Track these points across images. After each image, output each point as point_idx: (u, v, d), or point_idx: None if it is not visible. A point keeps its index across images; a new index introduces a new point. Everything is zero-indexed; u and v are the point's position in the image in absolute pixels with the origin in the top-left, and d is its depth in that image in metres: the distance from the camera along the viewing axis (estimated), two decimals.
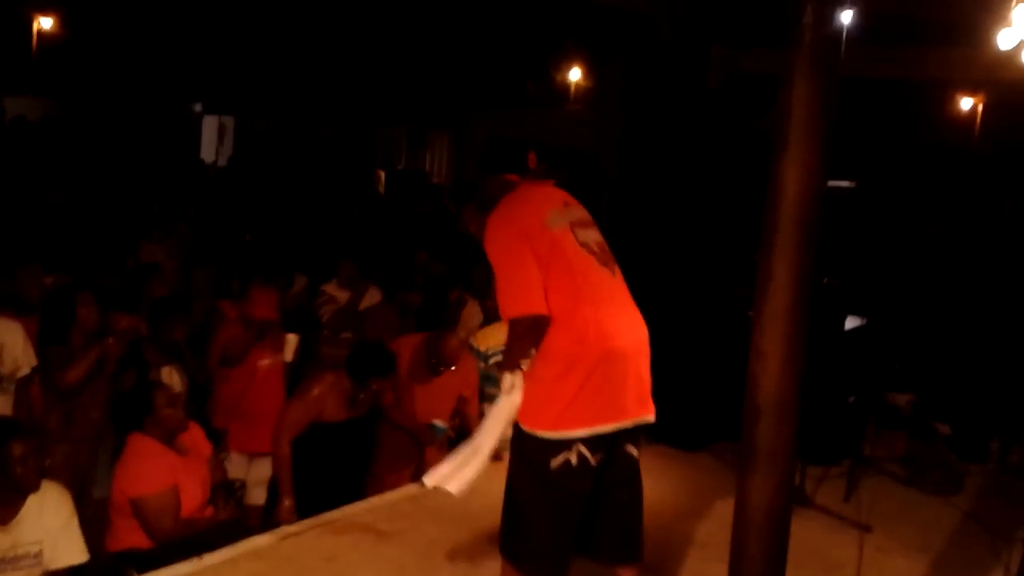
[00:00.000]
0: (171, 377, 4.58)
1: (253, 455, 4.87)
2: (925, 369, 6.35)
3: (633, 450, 3.14)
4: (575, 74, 24.58)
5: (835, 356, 5.47)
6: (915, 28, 5.47)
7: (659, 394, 5.53)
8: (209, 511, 4.10)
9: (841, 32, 2.12)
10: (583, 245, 3.07)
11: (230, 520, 4.15)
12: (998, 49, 4.97)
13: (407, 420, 4.75)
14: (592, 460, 2.95)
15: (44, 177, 10.33)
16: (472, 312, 6.03)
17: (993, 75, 5.92)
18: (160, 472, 3.89)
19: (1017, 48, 4.96)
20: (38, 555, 3.40)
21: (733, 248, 6.01)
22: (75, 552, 3.50)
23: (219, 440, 4.74)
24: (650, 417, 3.11)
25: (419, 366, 4.78)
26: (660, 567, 3.99)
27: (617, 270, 3.17)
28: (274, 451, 4.38)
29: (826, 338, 5.52)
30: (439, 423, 4.75)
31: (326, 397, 4.42)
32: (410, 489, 4.59)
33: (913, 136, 8.98)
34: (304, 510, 4.29)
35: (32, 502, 3.39)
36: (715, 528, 4.25)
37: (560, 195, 3.25)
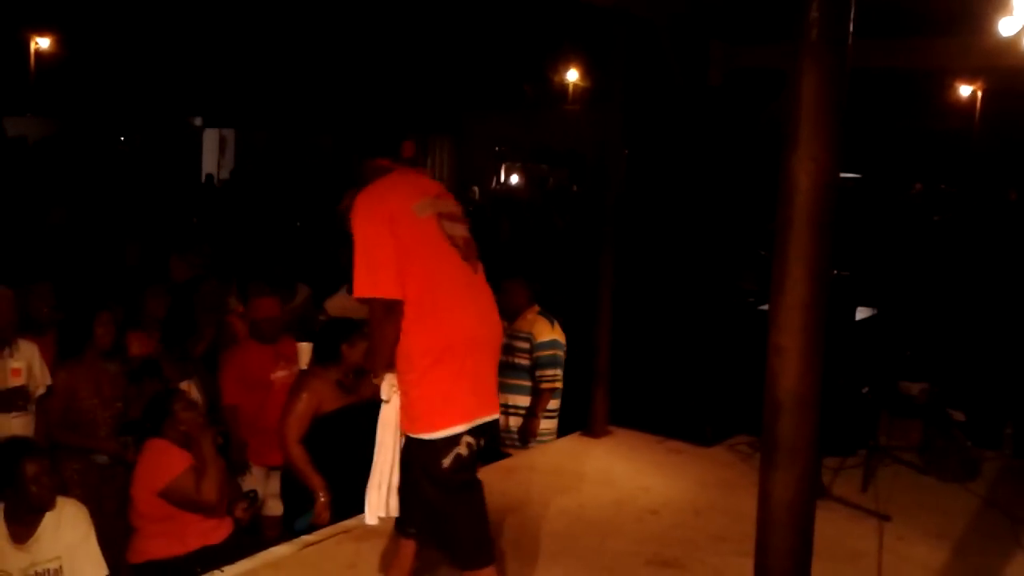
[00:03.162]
0: (190, 391, 4.62)
1: (271, 468, 4.88)
2: (937, 357, 6.35)
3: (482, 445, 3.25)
4: (572, 75, 24.62)
5: (848, 347, 5.46)
6: (915, 18, 5.47)
7: (672, 390, 5.59)
8: (227, 518, 4.12)
9: (848, 26, 2.13)
10: (449, 237, 3.11)
11: (248, 526, 4.19)
12: (999, 36, 4.98)
13: None
14: (476, 446, 3.07)
15: (46, 196, 10.35)
16: None
17: (993, 63, 5.92)
18: (179, 461, 3.93)
19: (1018, 35, 4.97)
20: (58, 571, 3.44)
21: (739, 243, 6.02)
22: (94, 566, 3.53)
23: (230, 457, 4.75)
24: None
25: None
26: (680, 562, 4.01)
27: (480, 267, 3.22)
28: (287, 456, 4.39)
29: (838, 329, 5.52)
30: None
31: (318, 391, 4.40)
32: None
33: (914, 125, 8.98)
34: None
35: (49, 519, 3.43)
36: (734, 522, 4.26)
37: (433, 186, 3.31)
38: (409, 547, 3.33)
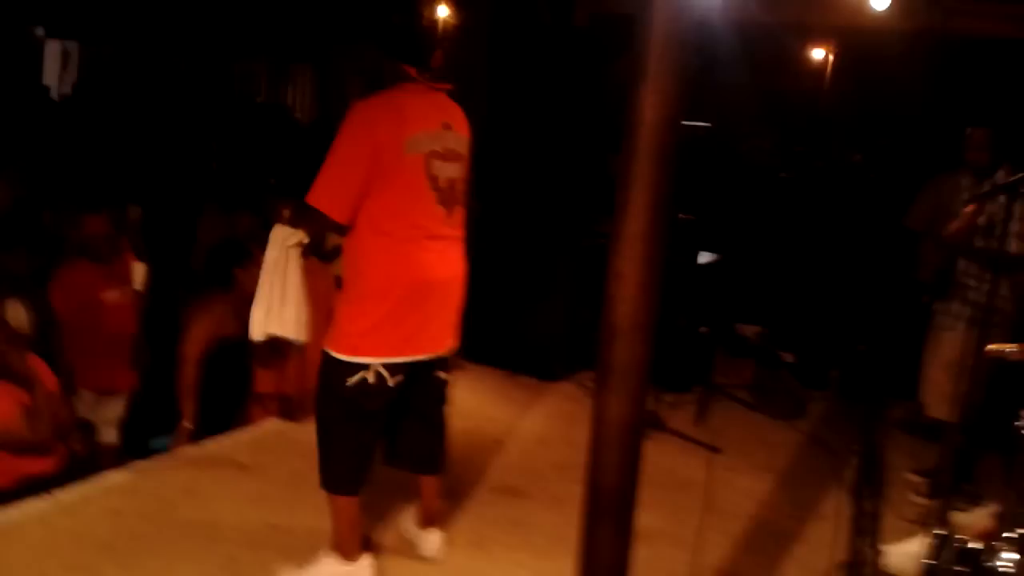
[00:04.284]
0: (16, 312, 4.37)
1: (102, 392, 4.69)
2: (772, 303, 6.69)
3: (441, 374, 3.25)
4: (443, 11, 24.29)
5: (689, 289, 5.69)
6: None
7: (522, 326, 5.69)
8: (61, 449, 3.96)
9: None
10: (431, 179, 2.98)
11: (84, 457, 4.03)
12: None
13: None
14: (391, 381, 3.00)
15: None
16: None
17: (847, 22, 6.14)
18: (6, 395, 3.72)
19: None
20: None
21: (594, 183, 6.13)
22: None
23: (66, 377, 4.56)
24: (451, 349, 3.21)
25: None
26: (523, 490, 4.13)
27: (458, 211, 3.11)
28: (181, 373, 4.33)
29: (681, 271, 5.74)
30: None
31: (217, 315, 4.33)
32: (276, 424, 4.55)
33: (769, 82, 9.28)
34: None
35: None
36: (576, 452, 4.38)
37: (444, 113, 3.08)
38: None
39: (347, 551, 3.14)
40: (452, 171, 3.06)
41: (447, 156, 3.04)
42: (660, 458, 4.37)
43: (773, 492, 4.44)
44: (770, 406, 5.54)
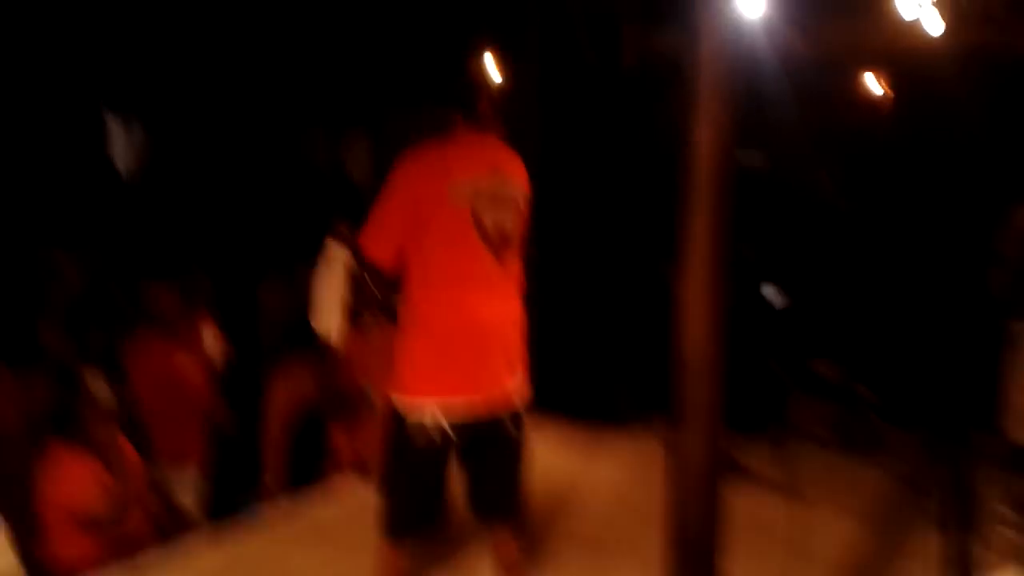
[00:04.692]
0: (97, 387, 4.47)
1: (178, 460, 4.75)
2: (846, 336, 6.53)
3: (509, 426, 3.18)
4: (490, 60, 24.54)
5: (756, 323, 5.60)
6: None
7: (585, 370, 5.64)
8: (140, 516, 4.02)
9: None
10: (478, 227, 2.99)
11: (164, 524, 4.09)
12: (901, 18, 5.03)
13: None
14: (446, 424, 3.01)
15: None
16: None
17: (898, 46, 6.05)
18: (91, 474, 3.79)
19: (917, 17, 5.03)
20: None
21: (658, 227, 6.08)
22: (4, 564, 3.41)
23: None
24: (514, 396, 3.16)
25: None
26: (602, 540, 4.07)
27: (511, 257, 3.11)
28: (265, 432, 4.50)
29: (749, 307, 5.65)
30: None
31: (301, 379, 4.50)
32: (353, 483, 4.56)
33: (824, 116, 9.17)
34: None
35: None
36: (652, 499, 4.31)
37: (493, 158, 3.09)
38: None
39: None
40: (501, 216, 3.05)
41: (495, 201, 3.03)
42: (738, 501, 4.21)
43: (858, 532, 4.29)
44: (849, 444, 5.39)
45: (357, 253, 3.05)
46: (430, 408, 3.00)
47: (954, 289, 5.83)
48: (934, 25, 5.18)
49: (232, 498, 4.68)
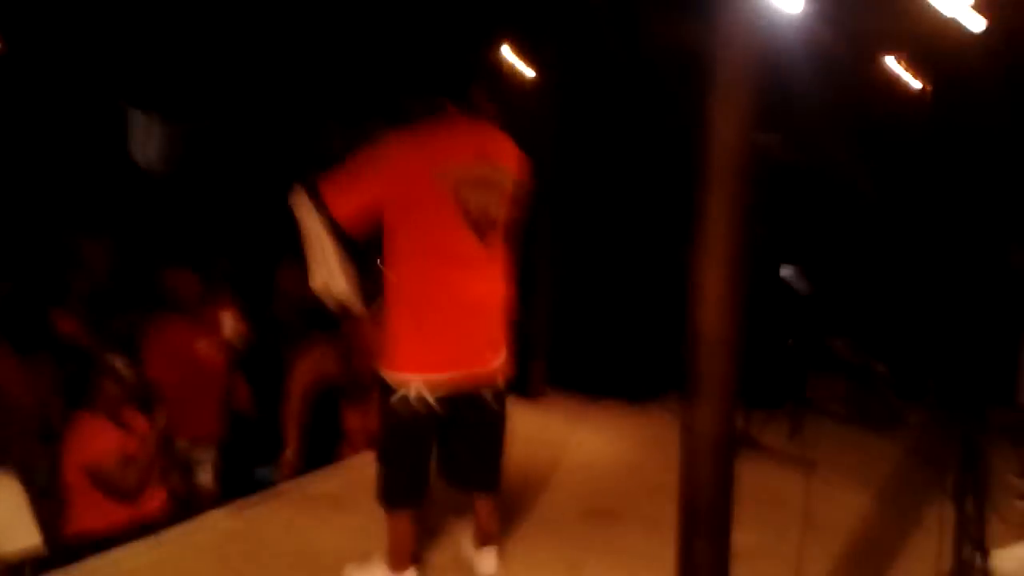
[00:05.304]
0: (121, 367, 4.54)
1: (196, 439, 4.79)
2: (861, 313, 6.53)
3: (488, 396, 3.25)
4: (512, 57, 24.39)
5: (774, 302, 5.61)
6: None
7: (605, 349, 5.67)
8: (162, 492, 4.09)
9: None
10: (462, 209, 3.05)
11: (184, 498, 4.18)
12: (936, 10, 4.91)
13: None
14: (431, 399, 3.08)
15: None
16: None
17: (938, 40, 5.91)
18: (110, 438, 3.89)
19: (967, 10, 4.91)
20: None
21: (677, 210, 6.08)
22: (27, 536, 3.49)
23: None
24: (497, 373, 3.24)
25: None
26: (617, 512, 4.11)
27: (494, 238, 3.16)
28: (286, 406, 4.57)
29: (765, 285, 5.66)
30: None
31: (322, 357, 4.59)
32: (365, 458, 4.62)
33: (854, 105, 9.05)
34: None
35: None
36: (667, 474, 4.35)
37: (480, 143, 3.14)
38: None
39: (395, 564, 3.27)
40: (486, 199, 3.11)
41: (480, 184, 3.10)
42: (755, 475, 4.28)
43: (873, 504, 4.32)
44: (865, 418, 5.41)
45: (320, 202, 3.07)
46: (415, 383, 3.08)
47: (974, 265, 5.82)
48: (973, 22, 5.07)
49: (250, 476, 4.76)
